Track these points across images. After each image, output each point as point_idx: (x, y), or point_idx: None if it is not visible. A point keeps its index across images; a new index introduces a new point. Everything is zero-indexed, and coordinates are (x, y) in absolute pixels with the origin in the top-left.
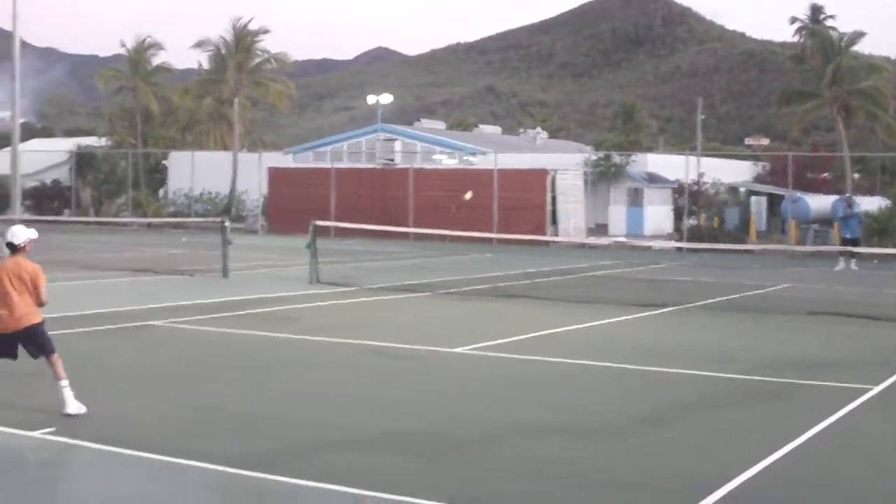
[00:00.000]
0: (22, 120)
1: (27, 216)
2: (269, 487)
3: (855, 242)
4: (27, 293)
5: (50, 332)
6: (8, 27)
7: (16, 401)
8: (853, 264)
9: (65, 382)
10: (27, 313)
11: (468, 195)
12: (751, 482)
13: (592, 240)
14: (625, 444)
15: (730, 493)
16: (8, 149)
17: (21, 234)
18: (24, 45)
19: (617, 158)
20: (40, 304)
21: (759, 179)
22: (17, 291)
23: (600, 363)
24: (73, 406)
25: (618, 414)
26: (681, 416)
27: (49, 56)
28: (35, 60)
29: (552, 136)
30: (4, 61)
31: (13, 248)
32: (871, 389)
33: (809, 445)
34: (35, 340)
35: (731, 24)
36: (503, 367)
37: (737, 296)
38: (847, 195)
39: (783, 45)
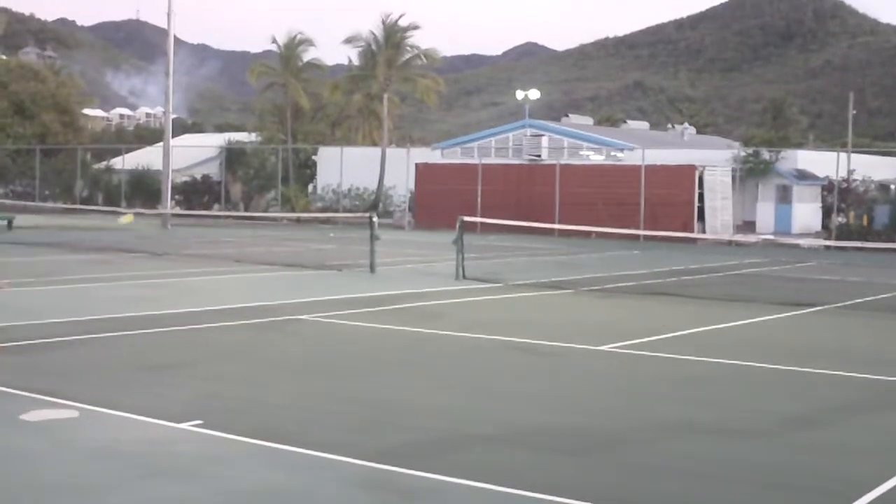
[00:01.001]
0: (174, 115)
1: (177, 210)
2: (415, 483)
3: None
4: None
5: (202, 325)
6: (163, 24)
7: (162, 393)
8: None
9: None
10: None
11: None
12: None
13: (740, 237)
14: (776, 444)
15: (884, 494)
16: (160, 144)
17: None
18: (177, 41)
19: (766, 155)
20: None
21: None
22: None
23: (749, 363)
24: None
25: (768, 414)
26: (832, 418)
27: (202, 52)
28: (188, 56)
29: (700, 131)
30: (158, 57)
31: None
32: None
33: None
34: None
35: (885, 17)
36: (650, 365)
37: (888, 296)
38: None
39: None
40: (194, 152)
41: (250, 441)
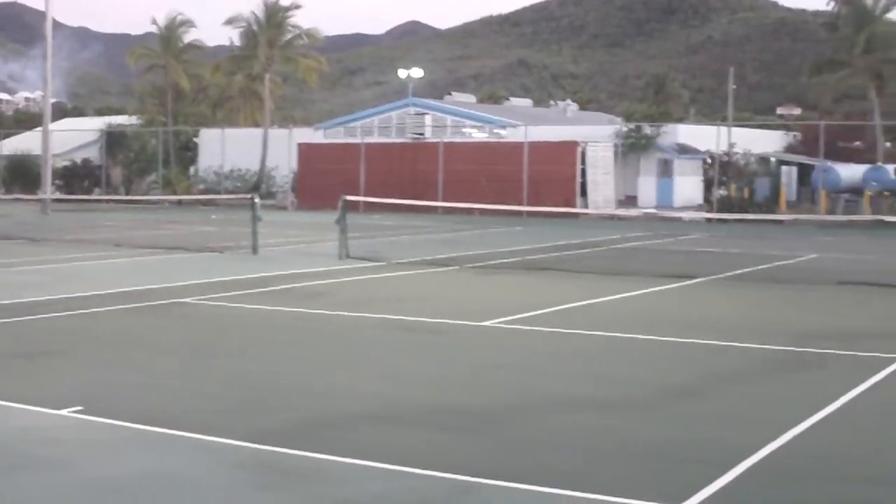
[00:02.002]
0: (53, 100)
1: (58, 195)
2: (299, 463)
3: None
4: None
5: (82, 310)
6: (41, 7)
7: (41, 379)
8: None
9: None
10: None
11: None
12: (780, 451)
13: (622, 212)
14: (657, 415)
15: (759, 462)
16: (40, 129)
17: None
18: (56, 24)
19: (647, 130)
20: None
21: (790, 149)
22: None
23: (631, 335)
24: None
25: (649, 385)
26: (712, 387)
27: (82, 35)
28: (68, 40)
29: (583, 107)
30: (37, 41)
31: None
32: None
33: (838, 415)
34: None
35: None
36: (533, 339)
37: (767, 266)
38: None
39: (816, 13)
40: (74, 136)
41: (132, 426)
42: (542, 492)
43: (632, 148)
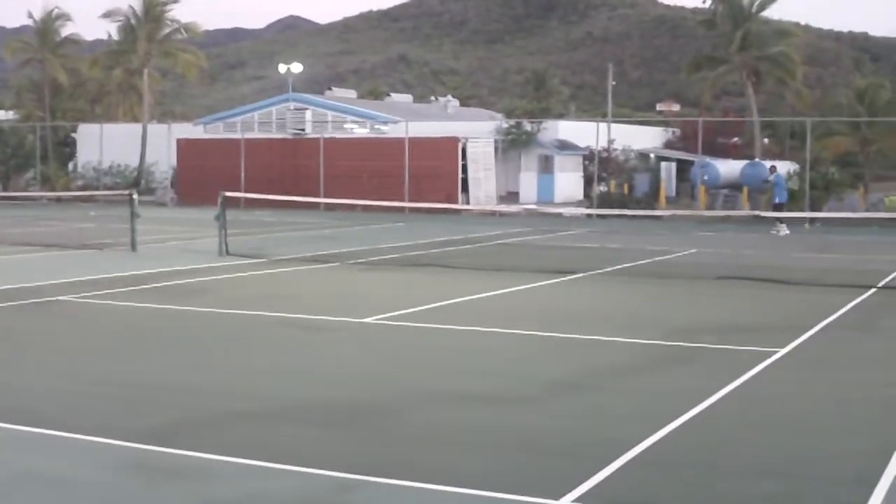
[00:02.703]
0: None
1: None
2: (182, 462)
3: (782, 207)
4: None
5: None
6: None
7: None
8: (785, 228)
9: None
10: None
11: None
12: (659, 444)
13: (503, 207)
14: (536, 410)
15: (638, 455)
16: None
17: None
18: None
19: (528, 126)
20: None
21: (669, 145)
22: None
23: (512, 330)
24: None
25: (529, 380)
26: (592, 382)
27: None
28: None
29: (464, 104)
30: None
31: None
32: (777, 352)
33: (716, 408)
34: None
35: None
36: (414, 336)
37: (646, 261)
38: (771, 164)
39: (695, 10)
40: None
41: (7, 426)
42: (422, 488)
43: (512, 144)
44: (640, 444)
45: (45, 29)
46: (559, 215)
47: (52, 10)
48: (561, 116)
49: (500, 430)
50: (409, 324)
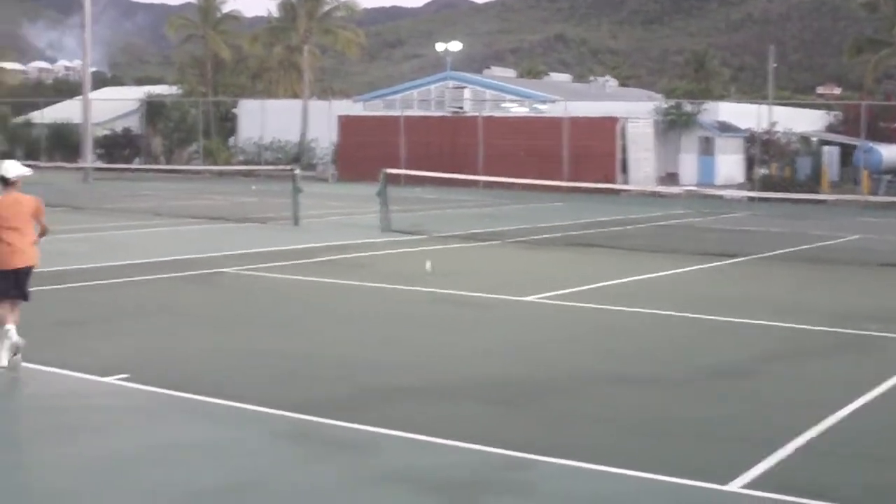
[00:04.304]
0: (93, 69)
1: (98, 164)
2: (342, 434)
3: None
4: (30, 229)
5: (124, 279)
6: None
7: (87, 347)
8: None
9: (13, 327)
10: (32, 252)
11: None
12: (827, 433)
13: (663, 188)
14: (700, 394)
15: (806, 443)
16: (79, 97)
17: (14, 168)
18: None
19: (688, 107)
20: (44, 233)
21: (830, 129)
22: (22, 227)
23: (674, 312)
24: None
25: (693, 364)
26: (755, 367)
27: (120, 5)
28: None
29: (622, 83)
30: (76, 10)
31: (6, 182)
32: None
33: (885, 398)
34: (26, 281)
35: None
36: (575, 315)
37: (808, 246)
38: None
39: None
40: (114, 106)
41: (175, 394)
42: (590, 469)
43: (672, 125)
44: (806, 432)
45: (207, 6)
46: (720, 198)
47: None
48: (721, 98)
49: (665, 414)
50: (570, 303)
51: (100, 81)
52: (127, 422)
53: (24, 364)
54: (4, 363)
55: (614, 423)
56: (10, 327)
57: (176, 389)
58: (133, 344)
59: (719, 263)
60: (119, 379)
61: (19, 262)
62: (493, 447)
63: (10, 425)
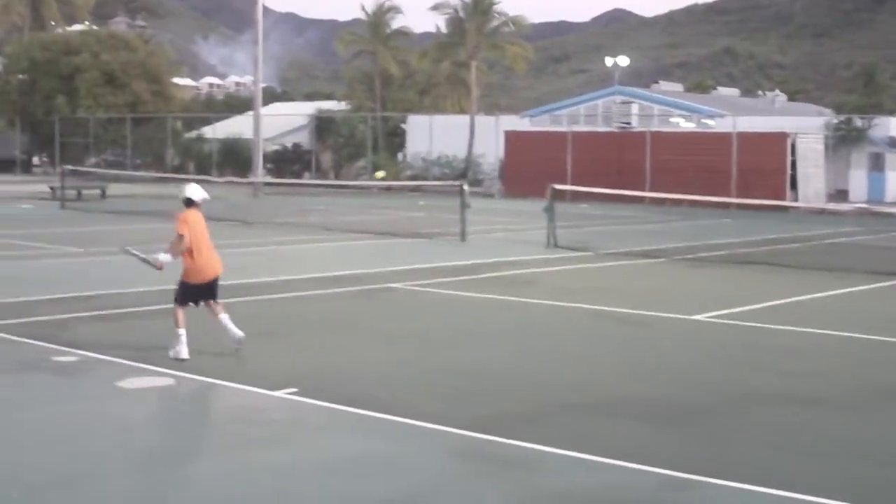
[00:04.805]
0: (263, 84)
1: (269, 179)
2: (512, 453)
3: None
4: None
5: (293, 293)
6: None
7: (257, 360)
8: None
9: (226, 316)
10: (218, 263)
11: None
12: None
13: (833, 206)
14: (868, 417)
15: None
16: (250, 113)
17: (198, 192)
18: (265, 10)
19: (858, 122)
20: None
21: None
22: (209, 242)
23: (845, 333)
24: (237, 330)
25: (863, 385)
26: None
27: (290, 21)
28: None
29: (791, 98)
30: (247, 26)
31: (192, 203)
32: None
33: None
34: (216, 288)
35: None
36: (743, 335)
37: None
38: None
39: None
40: (284, 121)
41: (345, 409)
42: (756, 491)
43: (842, 140)
44: None
45: (377, 22)
46: (891, 215)
47: (383, 4)
48: (892, 113)
49: (833, 436)
50: (739, 322)
51: (270, 97)
52: (294, 436)
53: (195, 377)
54: (185, 356)
55: (779, 444)
56: (224, 317)
57: (344, 404)
58: (302, 358)
59: (891, 283)
60: (288, 393)
61: (212, 275)
62: (658, 467)
63: (180, 439)
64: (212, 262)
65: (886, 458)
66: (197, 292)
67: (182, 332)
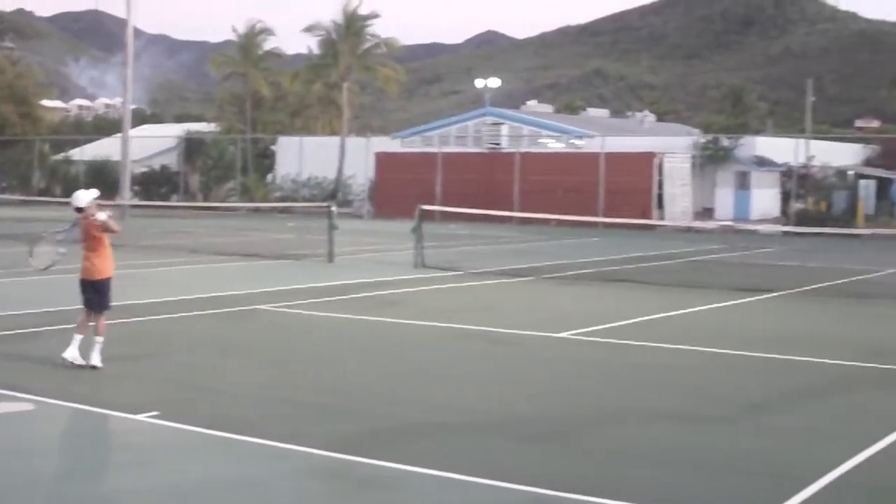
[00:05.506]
0: (133, 106)
1: (136, 201)
2: (373, 472)
3: None
4: (102, 247)
5: (159, 316)
6: (122, 15)
7: (120, 384)
8: None
9: (101, 339)
10: (103, 267)
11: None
12: (860, 468)
13: (698, 224)
14: (733, 429)
15: (838, 479)
16: (118, 135)
17: (84, 197)
18: (137, 32)
19: (725, 142)
20: (114, 231)
21: (869, 163)
22: (94, 245)
23: (708, 349)
24: (97, 359)
25: (725, 400)
26: (790, 402)
27: (162, 43)
28: (148, 47)
29: (660, 118)
30: (118, 48)
31: (80, 210)
32: None
33: None
34: (102, 293)
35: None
36: (610, 352)
37: (844, 280)
38: None
39: None
40: (153, 143)
41: (207, 432)
42: None
43: (709, 160)
44: (840, 467)
45: (248, 43)
46: (755, 232)
47: (254, 25)
48: (759, 132)
49: (697, 449)
50: (605, 340)
51: (139, 119)
52: (153, 460)
53: (56, 402)
54: (73, 359)
55: (646, 458)
56: (99, 339)
57: (207, 427)
58: (166, 381)
59: (754, 299)
60: (150, 416)
61: (94, 275)
62: (522, 485)
63: (35, 463)
64: (92, 264)
65: (757, 472)
66: (84, 290)
67: (78, 336)
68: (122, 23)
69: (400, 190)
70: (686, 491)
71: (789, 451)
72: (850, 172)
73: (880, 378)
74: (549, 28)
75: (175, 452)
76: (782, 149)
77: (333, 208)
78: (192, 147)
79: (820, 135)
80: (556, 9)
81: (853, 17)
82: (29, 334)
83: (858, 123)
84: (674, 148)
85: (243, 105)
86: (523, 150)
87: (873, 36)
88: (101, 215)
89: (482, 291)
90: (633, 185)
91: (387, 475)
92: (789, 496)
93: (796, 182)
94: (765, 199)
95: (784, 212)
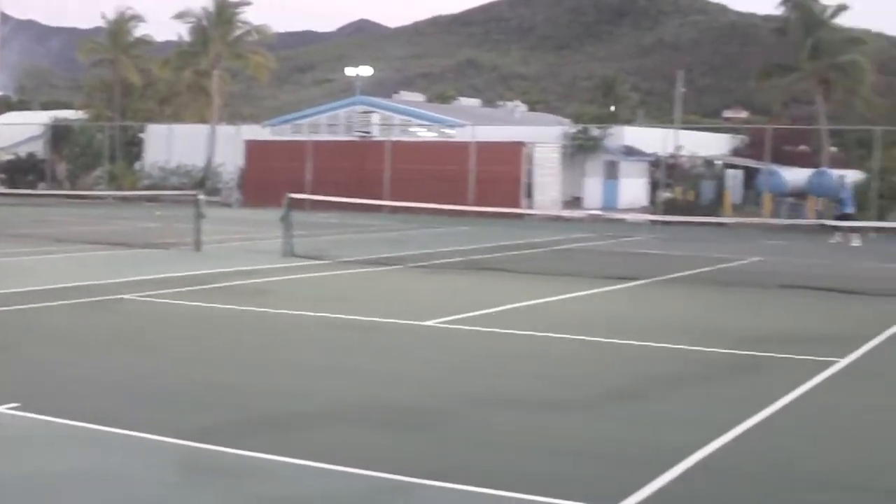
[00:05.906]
0: None
1: (1, 189)
2: (235, 462)
3: (850, 217)
4: None
5: (23, 306)
6: None
7: None
8: (857, 239)
9: None
10: None
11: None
12: (717, 453)
13: (567, 213)
14: (595, 415)
15: (695, 464)
16: None
17: None
18: (3, 17)
19: (594, 132)
20: None
21: (736, 153)
22: None
23: (573, 336)
24: None
25: (588, 386)
26: (651, 389)
27: (30, 29)
28: (15, 33)
29: (532, 108)
30: None
31: None
32: (838, 362)
33: (776, 418)
34: None
35: None
36: (474, 339)
37: (710, 269)
38: (841, 175)
39: (766, 17)
40: (19, 130)
41: (68, 423)
42: (477, 492)
43: (579, 149)
44: (696, 453)
45: (118, 30)
46: (623, 221)
47: (124, 12)
48: (628, 122)
49: (556, 436)
50: (470, 327)
51: (5, 106)
52: (13, 452)
53: None
54: None
55: (506, 446)
56: None
57: (68, 418)
58: (28, 372)
59: (621, 286)
60: (9, 408)
61: None
62: (381, 472)
63: None
64: None
65: (614, 457)
66: None
67: None
68: None
69: (270, 178)
70: (540, 476)
71: (647, 438)
72: (718, 162)
73: (741, 364)
74: (421, 17)
75: (34, 444)
76: (652, 139)
77: (200, 196)
78: (59, 134)
79: (688, 125)
80: None
81: (723, 9)
82: None
83: (727, 114)
84: (544, 137)
85: (112, 92)
86: (394, 138)
87: (743, 28)
88: None
89: (350, 280)
90: (502, 174)
91: (247, 464)
92: (645, 482)
93: (664, 172)
94: (633, 188)
95: (652, 201)
